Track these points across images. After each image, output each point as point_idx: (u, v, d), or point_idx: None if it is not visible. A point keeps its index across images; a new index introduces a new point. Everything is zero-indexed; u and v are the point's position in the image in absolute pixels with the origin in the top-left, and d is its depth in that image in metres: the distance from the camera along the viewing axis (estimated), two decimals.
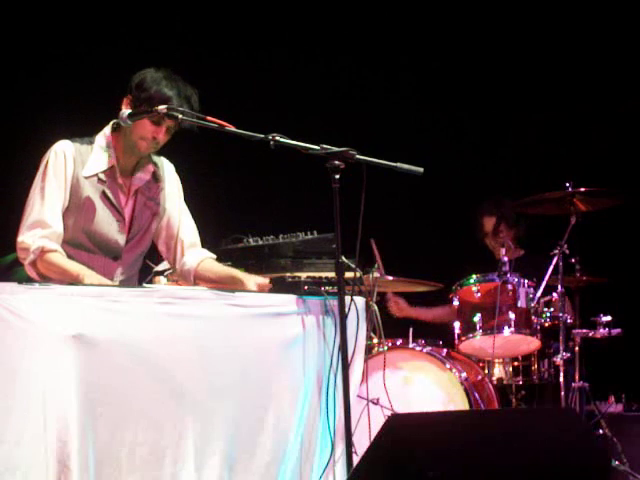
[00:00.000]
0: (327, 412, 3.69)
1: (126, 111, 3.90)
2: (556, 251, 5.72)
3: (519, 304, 5.69)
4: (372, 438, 3.37)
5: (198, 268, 4.12)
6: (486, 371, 5.87)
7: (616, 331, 5.80)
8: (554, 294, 5.78)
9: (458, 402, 5.46)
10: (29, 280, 3.85)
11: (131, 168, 4.10)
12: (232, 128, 3.74)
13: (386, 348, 5.48)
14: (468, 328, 5.74)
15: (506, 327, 5.65)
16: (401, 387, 5.48)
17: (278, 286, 3.77)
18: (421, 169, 3.78)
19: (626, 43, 6.91)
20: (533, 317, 5.70)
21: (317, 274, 3.87)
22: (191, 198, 4.29)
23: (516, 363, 5.98)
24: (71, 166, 3.99)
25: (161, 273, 4.38)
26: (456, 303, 5.85)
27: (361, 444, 3.88)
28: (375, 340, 5.48)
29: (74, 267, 3.82)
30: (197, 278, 4.12)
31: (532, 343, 5.77)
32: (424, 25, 7.08)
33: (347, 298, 3.67)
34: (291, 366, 3.67)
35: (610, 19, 6.92)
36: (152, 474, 3.39)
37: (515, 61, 7.04)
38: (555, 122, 7.03)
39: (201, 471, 3.47)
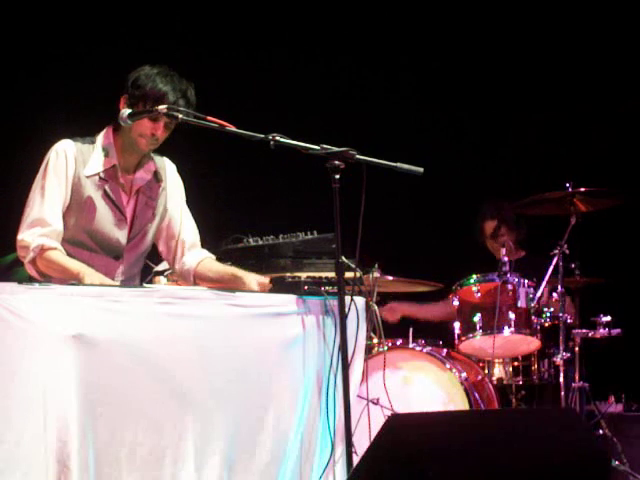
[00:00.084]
0: (327, 412, 3.69)
1: (126, 111, 3.90)
2: (556, 251, 5.72)
3: (519, 304, 5.69)
4: (372, 438, 3.37)
5: (198, 268, 4.12)
6: (486, 371, 5.86)
7: (616, 331, 5.80)
8: (554, 294, 5.78)
9: (458, 402, 5.46)
10: (29, 280, 3.86)
11: (132, 167, 4.10)
12: (232, 128, 3.74)
13: (386, 348, 5.48)
14: (468, 328, 5.74)
15: (506, 327, 5.65)
16: (401, 387, 5.48)
17: (278, 286, 3.77)
18: (421, 169, 3.78)
19: (626, 43, 6.91)
20: (533, 317, 5.70)
21: (317, 274, 3.87)
22: (191, 198, 4.29)
23: (516, 363, 5.98)
24: (72, 165, 3.99)
25: (161, 273, 4.38)
26: (456, 303, 5.85)
27: (361, 444, 3.88)
28: (375, 340, 5.48)
29: (74, 265, 3.81)
30: (197, 278, 4.12)
31: (532, 343, 5.77)
32: (424, 25, 7.08)
33: (347, 298, 3.68)
34: (291, 366, 3.67)
35: (610, 19, 6.92)
36: (152, 474, 3.39)
37: (515, 61, 7.04)
38: (555, 122, 7.03)
39: (201, 471, 3.47)
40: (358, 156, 3.69)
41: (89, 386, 3.28)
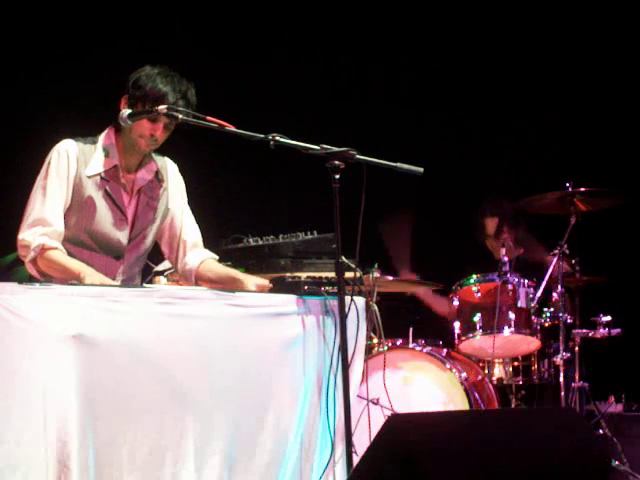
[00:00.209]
0: (327, 412, 3.69)
1: (126, 111, 3.90)
2: (556, 251, 5.72)
3: (519, 304, 5.69)
4: (372, 438, 3.37)
5: (199, 268, 4.13)
6: (486, 371, 5.87)
7: (616, 331, 5.81)
8: (554, 294, 5.78)
9: (458, 402, 5.46)
10: (30, 280, 3.86)
11: (134, 167, 4.11)
12: (232, 128, 3.74)
13: (386, 348, 5.48)
14: (468, 328, 5.75)
15: (506, 327, 5.65)
16: (401, 387, 5.48)
17: (278, 286, 3.77)
18: (421, 169, 3.78)
19: (626, 43, 6.91)
20: (533, 317, 5.71)
21: (317, 274, 3.87)
22: (191, 198, 4.29)
23: (516, 363, 5.98)
24: (74, 165, 3.99)
25: (161, 273, 4.38)
26: (456, 303, 5.86)
27: (361, 444, 3.88)
28: (375, 340, 5.48)
29: (75, 265, 3.81)
30: (198, 278, 4.13)
31: (532, 343, 5.78)
32: (424, 25, 7.08)
33: (347, 298, 3.68)
34: (291, 366, 3.67)
35: (610, 19, 6.92)
36: (152, 474, 3.39)
37: (515, 61, 7.05)
38: (555, 122, 7.04)
39: (201, 471, 3.47)
40: (358, 156, 3.69)
41: (89, 386, 3.28)
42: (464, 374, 5.55)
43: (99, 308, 3.35)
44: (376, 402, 4.97)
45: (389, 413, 4.76)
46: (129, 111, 3.91)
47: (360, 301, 3.78)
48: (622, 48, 6.92)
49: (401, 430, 3.17)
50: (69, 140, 4.04)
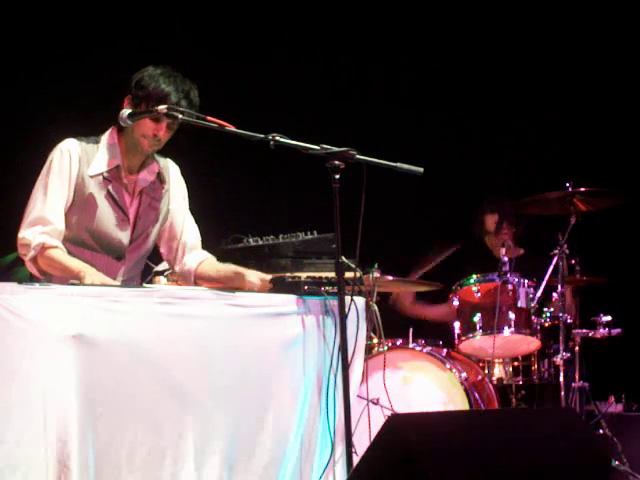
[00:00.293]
0: (327, 412, 3.69)
1: (126, 111, 3.90)
2: (556, 251, 5.72)
3: (519, 304, 5.69)
4: (372, 438, 3.37)
5: (198, 268, 4.13)
6: (486, 371, 5.86)
7: (616, 331, 5.80)
8: (554, 294, 5.78)
9: (458, 402, 5.45)
10: (30, 279, 3.86)
11: (136, 168, 4.11)
12: (232, 128, 3.74)
13: (386, 348, 5.48)
14: (468, 328, 5.75)
15: (506, 327, 5.65)
16: (401, 387, 5.48)
17: (278, 286, 3.77)
18: (421, 169, 3.78)
19: (626, 43, 6.91)
20: (533, 317, 5.71)
21: (317, 274, 3.87)
22: (191, 198, 4.29)
23: (516, 363, 5.98)
24: (76, 165, 3.99)
25: (161, 273, 4.38)
26: (456, 303, 5.85)
27: (361, 444, 3.88)
28: (375, 340, 5.48)
29: (75, 264, 3.81)
30: (197, 278, 4.13)
31: (532, 343, 5.78)
32: (424, 25, 7.08)
33: (347, 298, 3.68)
34: (291, 366, 3.67)
35: (610, 20, 6.92)
36: (152, 474, 3.39)
37: (515, 61, 7.04)
38: (555, 122, 7.04)
39: (201, 471, 3.47)
40: (358, 156, 3.69)
41: (89, 386, 3.28)
42: (464, 374, 5.55)
43: (99, 308, 3.35)
44: (376, 402, 4.97)
45: (389, 413, 4.76)
46: (129, 111, 3.90)
47: (360, 301, 3.78)
48: (622, 48, 6.92)
49: (401, 430, 3.17)
50: (72, 139, 4.04)
